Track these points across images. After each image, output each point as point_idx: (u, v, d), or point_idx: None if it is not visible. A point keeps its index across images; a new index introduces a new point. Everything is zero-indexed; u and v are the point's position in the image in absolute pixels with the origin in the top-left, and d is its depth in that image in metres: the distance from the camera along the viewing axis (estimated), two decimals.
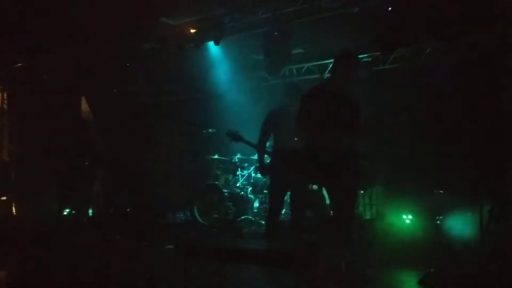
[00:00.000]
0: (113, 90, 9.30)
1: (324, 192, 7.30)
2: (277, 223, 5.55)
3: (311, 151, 4.12)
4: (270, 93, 8.42)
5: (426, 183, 6.59)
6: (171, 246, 5.70)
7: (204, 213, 7.76)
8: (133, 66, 8.42)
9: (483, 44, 6.89)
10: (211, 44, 7.62)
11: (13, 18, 6.85)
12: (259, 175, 7.65)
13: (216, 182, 8.04)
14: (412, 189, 6.57)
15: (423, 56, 7.53)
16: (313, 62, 8.56)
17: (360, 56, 8.08)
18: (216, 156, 8.25)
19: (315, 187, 6.98)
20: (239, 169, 8.11)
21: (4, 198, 8.24)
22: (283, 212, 6.23)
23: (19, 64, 8.52)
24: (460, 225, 5.76)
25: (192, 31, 7.50)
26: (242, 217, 7.55)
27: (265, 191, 7.60)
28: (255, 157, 7.60)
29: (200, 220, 7.71)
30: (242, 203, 7.73)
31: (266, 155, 5.79)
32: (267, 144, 5.68)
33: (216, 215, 7.65)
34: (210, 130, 8.53)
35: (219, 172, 8.29)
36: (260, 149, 5.63)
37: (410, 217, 6.20)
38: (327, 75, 8.47)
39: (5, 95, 9.30)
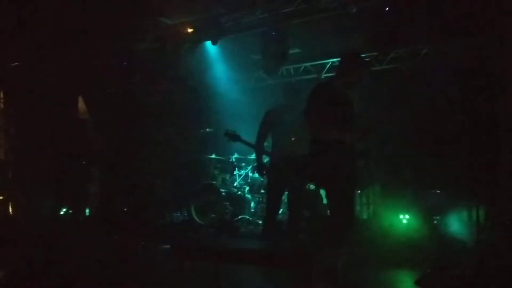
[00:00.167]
0: (110, 90, 9.28)
1: (322, 192, 7.34)
2: (274, 223, 5.55)
3: (321, 149, 4.10)
4: (267, 93, 8.42)
5: (423, 183, 6.61)
6: (168, 246, 5.70)
7: (201, 213, 7.75)
8: (131, 66, 8.39)
9: (479, 45, 6.91)
10: (208, 44, 7.61)
11: (10, 18, 6.83)
12: (256, 175, 7.65)
13: (213, 182, 8.04)
14: (409, 189, 6.59)
15: (419, 56, 7.55)
16: (310, 62, 8.58)
17: None
18: (213, 156, 8.24)
19: (312, 187, 7.00)
20: (236, 168, 8.11)
21: (1, 197, 8.21)
22: (280, 212, 6.24)
23: (16, 63, 8.49)
24: (456, 225, 5.77)
25: (190, 30, 7.48)
26: (239, 217, 7.55)
27: (262, 191, 7.60)
28: (253, 156, 7.61)
29: (197, 220, 7.70)
30: (239, 203, 7.73)
31: (264, 155, 5.79)
32: (265, 144, 5.69)
33: (213, 215, 7.65)
34: (207, 129, 8.53)
35: (216, 172, 8.28)
36: (258, 149, 5.63)
37: (407, 217, 6.21)
38: (324, 75, 8.49)
39: (1, 94, 9.27)
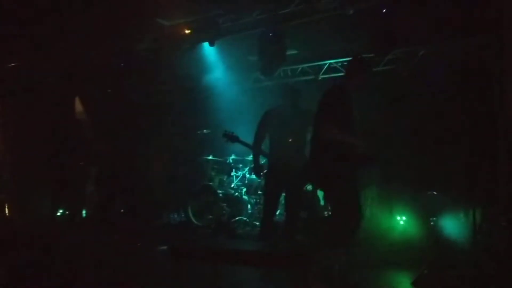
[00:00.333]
0: (107, 91, 9.27)
1: (319, 193, 7.36)
2: (271, 224, 5.55)
3: (332, 152, 4.15)
4: (265, 94, 8.43)
5: (420, 184, 6.63)
6: (165, 247, 5.69)
7: (199, 214, 7.75)
8: (128, 67, 8.39)
9: (477, 46, 6.93)
10: (206, 45, 7.61)
11: (8, 18, 6.81)
12: (253, 176, 7.65)
13: (211, 183, 8.03)
14: (406, 190, 6.60)
15: (417, 58, 7.57)
16: (308, 63, 8.59)
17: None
18: (210, 157, 8.24)
19: (309, 188, 7.01)
20: (233, 170, 8.10)
21: None
22: (277, 213, 6.24)
23: (13, 64, 8.47)
24: (453, 226, 5.79)
25: (187, 31, 7.48)
26: (237, 218, 7.55)
27: (259, 192, 7.60)
28: (250, 158, 7.61)
29: (195, 221, 7.70)
30: (237, 204, 7.73)
31: (261, 156, 5.79)
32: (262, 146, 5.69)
33: (210, 216, 7.65)
34: (204, 131, 8.52)
35: (213, 173, 8.28)
36: (255, 150, 5.63)
37: (404, 218, 6.22)
38: (321, 76, 8.50)
39: None
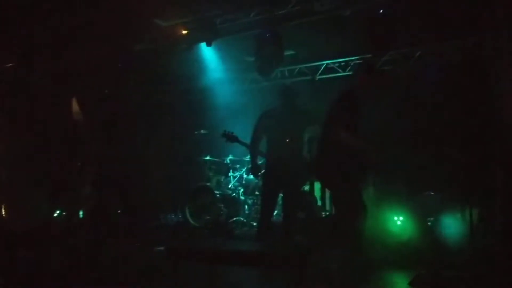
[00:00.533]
0: (104, 91, 9.25)
1: (316, 194, 7.37)
2: (269, 225, 5.55)
3: (342, 153, 4.26)
4: (262, 94, 8.44)
5: (417, 184, 6.64)
6: (162, 248, 5.68)
7: (196, 215, 7.75)
8: (125, 67, 8.37)
9: (473, 47, 6.96)
10: (203, 45, 7.60)
11: (3, 18, 6.80)
12: (251, 177, 7.66)
13: (208, 184, 8.03)
14: (403, 190, 6.61)
15: (414, 59, 7.59)
16: (305, 64, 8.60)
17: (351, 58, 8.17)
18: (207, 158, 8.24)
19: (307, 188, 7.01)
20: (230, 170, 8.11)
21: None
22: (275, 213, 6.24)
23: (9, 64, 8.45)
24: (450, 226, 5.80)
25: (184, 32, 7.48)
26: (234, 219, 7.55)
27: (256, 193, 7.61)
28: (247, 158, 7.62)
29: (192, 222, 7.69)
30: (234, 204, 7.73)
31: (259, 156, 5.79)
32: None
33: (207, 217, 7.65)
34: (201, 131, 8.51)
35: (210, 174, 8.28)
36: (252, 150, 5.63)
37: (401, 218, 6.23)
38: (319, 76, 8.52)
39: None
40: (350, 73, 8.26)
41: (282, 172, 5.29)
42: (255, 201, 7.67)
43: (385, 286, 4.50)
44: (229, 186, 8.02)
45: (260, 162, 5.85)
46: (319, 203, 7.44)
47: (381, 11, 6.01)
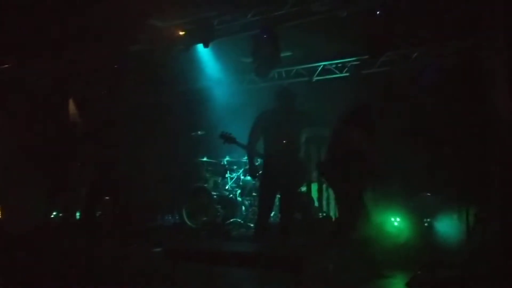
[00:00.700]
0: (101, 92, 9.24)
1: (313, 195, 7.37)
2: (266, 226, 5.55)
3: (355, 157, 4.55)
4: (259, 95, 8.43)
5: (414, 185, 6.65)
6: (159, 249, 5.68)
7: (193, 216, 7.73)
8: (122, 68, 8.35)
9: (470, 48, 6.98)
10: (200, 46, 7.60)
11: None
12: (248, 178, 7.65)
13: (205, 185, 8.02)
14: (400, 191, 6.62)
15: (410, 60, 7.60)
16: (302, 65, 8.61)
17: (348, 59, 8.18)
18: (205, 159, 8.23)
19: (304, 189, 7.01)
20: (228, 171, 8.10)
21: None
22: (272, 214, 6.24)
23: (5, 65, 8.42)
24: (447, 227, 5.81)
25: (181, 33, 7.47)
26: (231, 220, 7.54)
27: (254, 194, 7.60)
28: (244, 159, 7.61)
29: (189, 223, 7.68)
30: (231, 205, 7.72)
31: (256, 157, 5.79)
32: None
33: (204, 218, 7.63)
34: (199, 132, 8.50)
35: (208, 175, 8.27)
36: (249, 151, 5.63)
37: (398, 219, 6.24)
38: (316, 78, 8.53)
39: None
40: (347, 74, 8.28)
41: (280, 173, 5.29)
42: (252, 202, 7.66)
43: (382, 287, 4.50)
44: (226, 187, 8.01)
45: (257, 163, 5.85)
46: (316, 204, 7.44)
47: (378, 12, 6.01)
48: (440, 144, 6.77)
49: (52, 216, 7.05)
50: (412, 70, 7.50)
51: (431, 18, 6.36)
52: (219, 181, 8.20)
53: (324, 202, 7.38)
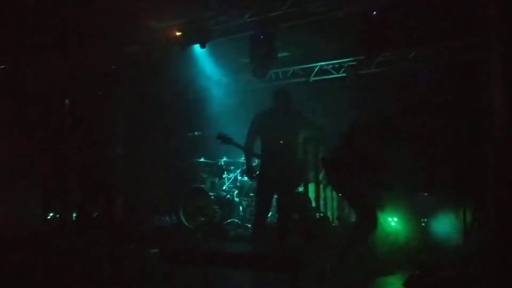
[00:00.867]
0: (98, 93, 9.22)
1: (311, 195, 7.36)
2: (263, 226, 5.55)
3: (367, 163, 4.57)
4: (256, 96, 8.43)
5: (411, 185, 6.65)
6: (156, 250, 5.67)
7: (190, 217, 7.73)
8: (118, 69, 8.34)
9: (466, 49, 6.99)
10: (196, 47, 7.60)
11: None
12: (245, 178, 7.65)
13: (202, 186, 8.01)
14: (397, 191, 6.62)
15: (407, 60, 7.61)
16: (299, 65, 8.61)
17: (345, 60, 8.19)
18: (202, 159, 8.22)
19: (301, 190, 7.01)
20: (225, 172, 8.09)
21: None
22: (269, 215, 6.24)
23: (1, 66, 8.40)
24: (444, 227, 5.82)
25: (178, 33, 7.47)
26: (229, 220, 7.53)
27: (251, 194, 7.60)
28: (241, 160, 7.61)
29: (186, 224, 7.67)
30: (228, 206, 7.72)
31: (253, 158, 5.78)
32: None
33: (202, 219, 7.63)
34: (196, 133, 8.50)
35: (205, 175, 8.26)
36: (247, 152, 5.63)
37: (395, 219, 6.24)
38: (313, 78, 8.54)
39: None
40: (344, 74, 8.29)
41: (277, 173, 5.28)
42: (250, 202, 7.65)
43: (379, 287, 4.51)
44: (224, 187, 8.01)
45: (254, 164, 5.85)
46: (313, 204, 7.44)
47: (374, 12, 6.02)
48: (437, 144, 6.78)
49: (49, 217, 7.03)
50: (409, 70, 7.51)
51: (427, 19, 6.37)
52: (216, 181, 8.19)
53: (322, 202, 7.39)
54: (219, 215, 7.59)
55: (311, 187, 7.29)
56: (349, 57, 8.07)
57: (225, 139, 5.65)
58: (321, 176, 7.02)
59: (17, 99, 8.57)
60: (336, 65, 8.35)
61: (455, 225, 5.63)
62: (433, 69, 7.24)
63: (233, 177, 8.01)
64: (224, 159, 8.08)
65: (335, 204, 7.65)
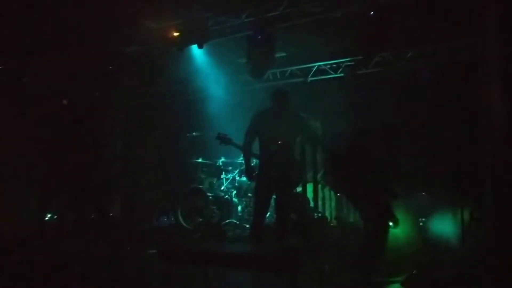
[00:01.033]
0: (95, 94, 9.21)
1: (309, 195, 7.38)
2: (262, 227, 5.55)
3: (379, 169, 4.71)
4: (254, 96, 8.43)
5: (409, 185, 6.66)
6: (154, 251, 5.66)
7: (188, 217, 7.72)
8: (116, 70, 8.33)
9: (463, 49, 7.00)
10: (194, 47, 7.60)
11: None
12: (243, 179, 7.65)
13: (200, 186, 8.01)
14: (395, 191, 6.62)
15: (404, 60, 7.63)
16: (296, 65, 8.62)
17: (343, 60, 8.20)
18: (200, 160, 8.22)
19: (299, 190, 7.02)
20: (223, 172, 8.09)
21: None
22: (267, 215, 6.24)
23: (1, 67, 8.38)
24: (442, 226, 5.83)
25: (176, 34, 7.47)
26: (227, 221, 7.53)
27: (249, 195, 7.60)
28: (239, 160, 7.61)
29: (184, 224, 7.67)
30: (227, 206, 7.71)
31: (252, 158, 5.78)
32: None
33: (200, 219, 7.62)
34: (194, 133, 8.49)
35: (203, 176, 8.25)
36: (245, 152, 5.63)
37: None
38: (310, 78, 8.54)
39: None
40: (342, 74, 8.30)
41: (275, 173, 5.28)
42: (248, 203, 7.65)
43: (377, 286, 4.51)
44: (222, 188, 8.01)
45: (252, 164, 5.85)
46: (311, 204, 7.45)
47: (371, 12, 6.03)
48: (435, 144, 6.80)
49: (47, 218, 7.01)
50: (407, 70, 7.53)
51: (425, 19, 6.38)
52: (214, 182, 8.19)
53: (320, 202, 7.40)
54: (217, 216, 7.58)
55: (309, 187, 7.30)
56: (347, 57, 8.09)
57: (224, 140, 5.65)
58: (319, 176, 7.04)
59: (13, 99, 8.55)
60: (334, 65, 8.37)
61: (453, 225, 5.64)
62: (431, 69, 7.25)
63: (231, 178, 8.01)
64: (222, 159, 8.08)
65: (333, 204, 7.67)
